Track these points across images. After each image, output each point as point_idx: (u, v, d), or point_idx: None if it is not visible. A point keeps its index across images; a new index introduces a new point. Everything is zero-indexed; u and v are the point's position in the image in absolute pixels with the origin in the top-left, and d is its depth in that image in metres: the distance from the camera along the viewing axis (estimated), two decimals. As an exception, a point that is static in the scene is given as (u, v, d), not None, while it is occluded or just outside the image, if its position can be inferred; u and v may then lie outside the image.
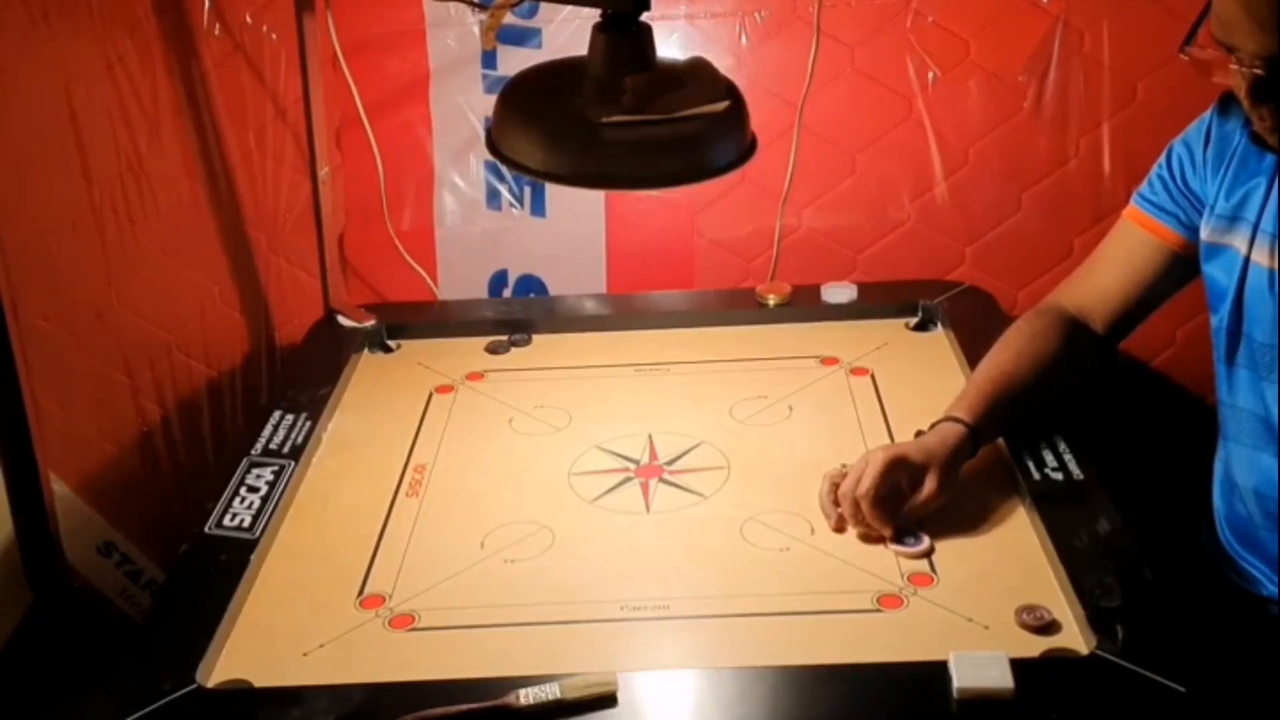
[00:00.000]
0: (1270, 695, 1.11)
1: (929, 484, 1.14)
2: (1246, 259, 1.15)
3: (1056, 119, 1.65)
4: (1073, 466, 1.21)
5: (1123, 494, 1.18)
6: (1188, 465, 1.36)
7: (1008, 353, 1.25)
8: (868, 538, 1.15)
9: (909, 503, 1.14)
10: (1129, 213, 1.27)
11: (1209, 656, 0.97)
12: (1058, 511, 1.15)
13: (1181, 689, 0.92)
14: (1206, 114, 1.21)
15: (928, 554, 1.12)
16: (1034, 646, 0.99)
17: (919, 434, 1.21)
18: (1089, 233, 1.67)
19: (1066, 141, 1.66)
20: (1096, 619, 1.00)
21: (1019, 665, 0.94)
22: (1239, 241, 1.16)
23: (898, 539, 1.13)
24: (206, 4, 1.65)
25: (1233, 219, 1.16)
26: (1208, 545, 1.29)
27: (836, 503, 1.16)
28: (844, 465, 1.19)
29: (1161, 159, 1.25)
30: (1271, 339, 1.14)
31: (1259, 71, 1.02)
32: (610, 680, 0.95)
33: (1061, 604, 1.04)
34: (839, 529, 1.16)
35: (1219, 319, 1.20)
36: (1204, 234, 1.19)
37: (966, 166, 1.69)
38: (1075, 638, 1.01)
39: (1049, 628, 1.01)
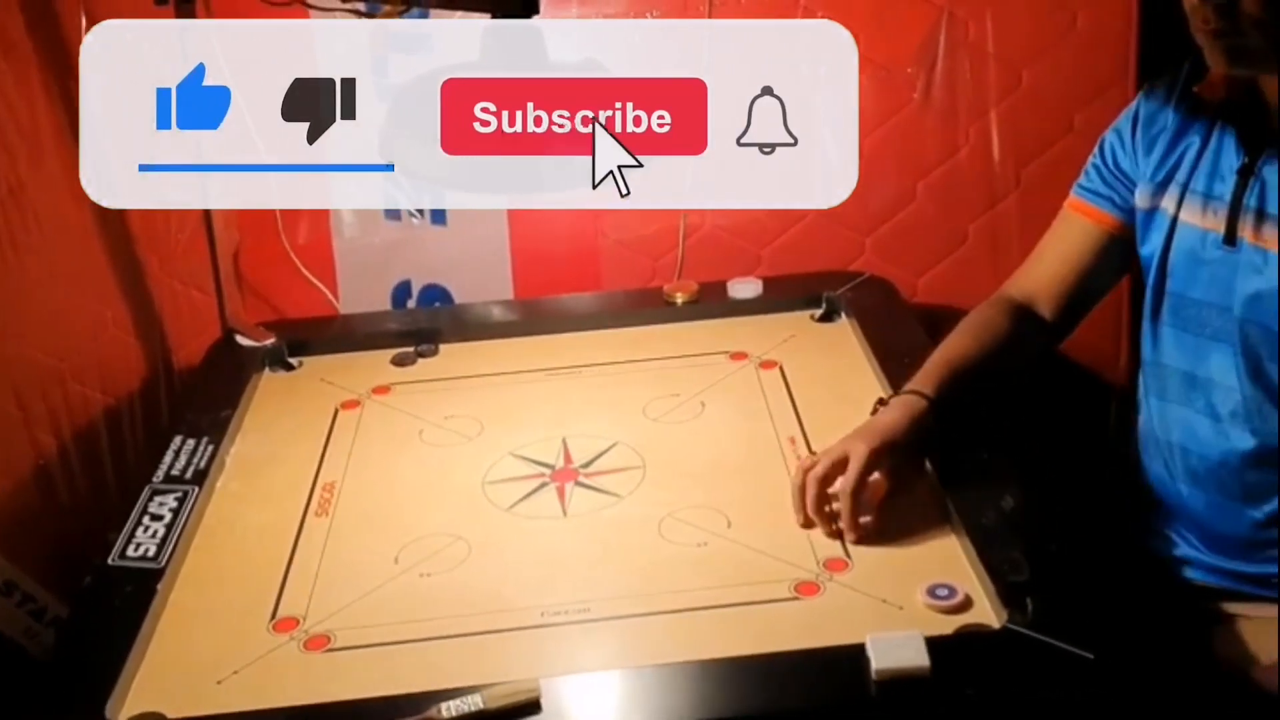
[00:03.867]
0: (1177, 657, 1.15)
1: (904, 475, 1.16)
2: (1174, 219, 1.19)
3: (946, 109, 1.68)
4: (979, 445, 1.23)
5: (1031, 468, 1.20)
6: (1096, 434, 1.39)
7: (963, 338, 1.28)
8: (834, 534, 1.14)
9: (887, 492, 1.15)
10: (1068, 203, 1.31)
11: (1118, 623, 1.00)
12: (965, 490, 1.17)
13: (1090, 656, 0.95)
14: (1133, 103, 1.26)
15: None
16: (948, 624, 1.01)
17: (880, 404, 1.23)
18: (982, 218, 1.71)
19: (957, 130, 1.69)
20: (1007, 593, 1.02)
21: (934, 643, 0.96)
22: (1169, 203, 1.20)
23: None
24: (84, 21, 1.59)
25: (1164, 183, 1.21)
26: (1120, 511, 1.33)
27: (820, 497, 1.14)
28: (813, 453, 1.19)
29: (1095, 150, 1.29)
30: (1204, 297, 1.17)
31: None
32: (533, 687, 0.95)
33: (973, 580, 1.06)
34: (807, 526, 1.15)
35: (1149, 279, 1.23)
36: (1138, 201, 1.24)
37: (862, 159, 1.71)
38: (987, 613, 1.03)
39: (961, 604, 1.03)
